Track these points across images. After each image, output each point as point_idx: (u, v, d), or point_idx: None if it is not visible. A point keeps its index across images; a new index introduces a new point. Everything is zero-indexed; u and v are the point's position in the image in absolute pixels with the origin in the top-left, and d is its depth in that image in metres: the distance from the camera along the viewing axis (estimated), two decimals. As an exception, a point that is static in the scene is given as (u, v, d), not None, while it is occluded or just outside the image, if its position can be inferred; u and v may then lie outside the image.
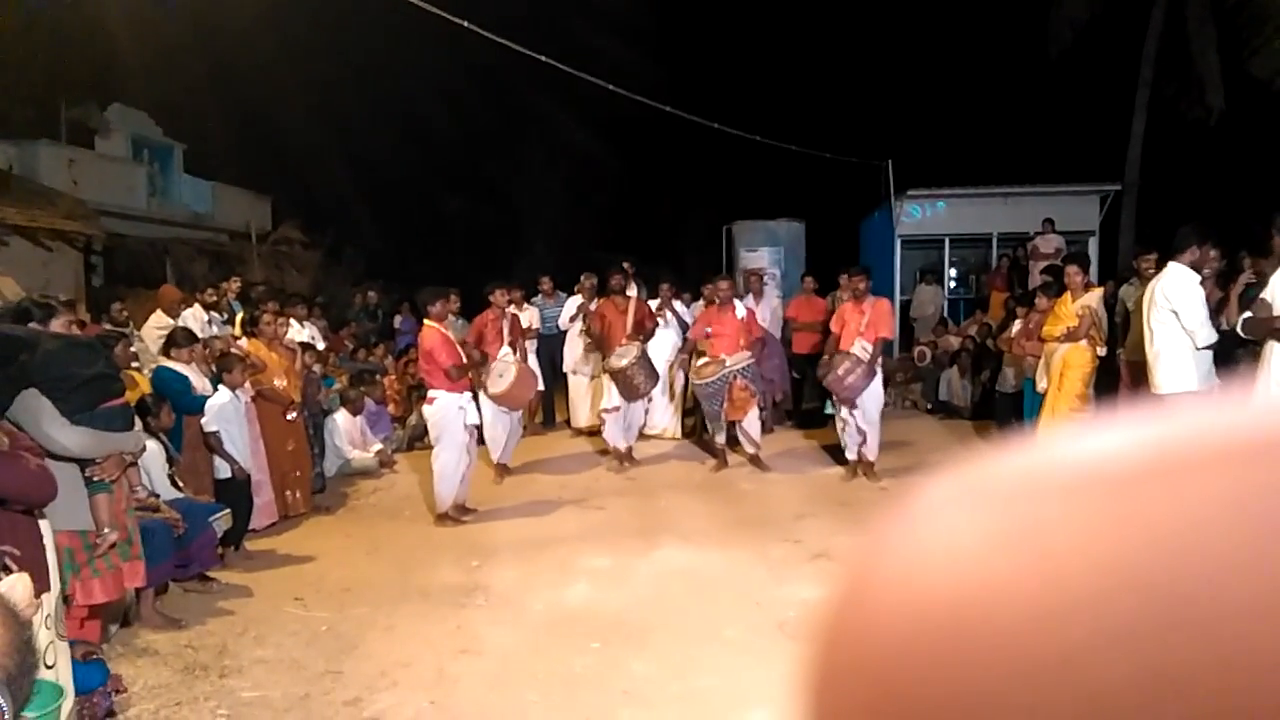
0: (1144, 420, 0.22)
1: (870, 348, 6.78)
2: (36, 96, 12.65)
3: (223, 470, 5.61)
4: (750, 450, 7.59)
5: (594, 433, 8.76)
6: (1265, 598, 0.18)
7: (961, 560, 0.21)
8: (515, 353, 7.29)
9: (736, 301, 7.66)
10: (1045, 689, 0.19)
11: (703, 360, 7.45)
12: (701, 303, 8.96)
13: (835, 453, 7.50)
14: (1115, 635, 0.19)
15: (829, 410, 7.35)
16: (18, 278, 9.18)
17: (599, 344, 8.15)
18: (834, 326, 7.22)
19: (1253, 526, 0.19)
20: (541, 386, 8.63)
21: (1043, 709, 0.19)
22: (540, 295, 9.77)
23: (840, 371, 6.68)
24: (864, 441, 6.97)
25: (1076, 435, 0.23)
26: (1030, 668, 0.19)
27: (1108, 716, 0.18)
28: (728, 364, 7.21)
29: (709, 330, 7.51)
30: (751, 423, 7.44)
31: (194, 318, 7.69)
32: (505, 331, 7.29)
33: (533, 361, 8.44)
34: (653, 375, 7.73)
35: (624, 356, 7.54)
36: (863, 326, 6.83)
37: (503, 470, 7.54)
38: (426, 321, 6.40)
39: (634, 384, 7.55)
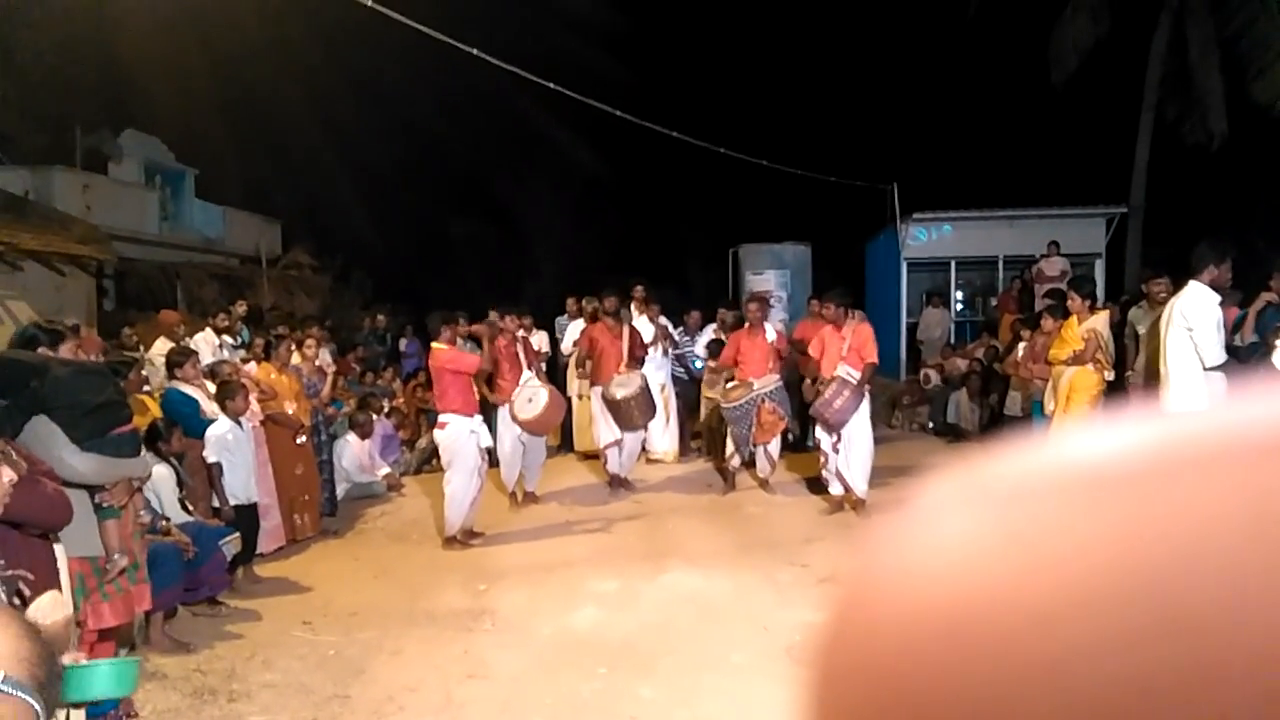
0: (1144, 422, 0.22)
1: (856, 374, 6.64)
2: (52, 124, 12.85)
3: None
4: (762, 474, 7.59)
5: (596, 456, 8.77)
6: (1267, 600, 0.18)
7: (961, 562, 0.21)
8: (535, 375, 7.13)
9: (767, 325, 7.52)
10: (1046, 691, 0.19)
11: (731, 384, 7.41)
12: (713, 327, 9.01)
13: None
14: (1115, 637, 0.19)
15: (809, 443, 7.23)
16: (31, 302, 9.28)
17: (583, 365, 8.01)
18: (813, 352, 7.11)
19: (1254, 528, 0.19)
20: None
21: (1043, 711, 0.19)
22: (566, 316, 9.79)
23: (828, 395, 6.56)
24: (848, 475, 6.74)
25: (1075, 437, 0.23)
26: (1030, 670, 0.19)
27: (1108, 719, 0.18)
28: (755, 387, 7.19)
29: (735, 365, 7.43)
30: (774, 446, 7.43)
31: (205, 341, 7.73)
32: (521, 356, 7.14)
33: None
34: (651, 409, 7.62)
35: (625, 387, 7.36)
36: (844, 350, 6.72)
37: (529, 499, 7.47)
38: (434, 345, 6.41)
39: (632, 417, 7.45)
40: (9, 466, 2.46)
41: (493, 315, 7.27)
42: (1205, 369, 5.06)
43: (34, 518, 2.81)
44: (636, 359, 7.84)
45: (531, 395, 6.89)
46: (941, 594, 0.21)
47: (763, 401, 7.16)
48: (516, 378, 7.03)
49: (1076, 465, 0.22)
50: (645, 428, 7.92)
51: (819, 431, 6.89)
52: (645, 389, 7.50)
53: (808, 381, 7.23)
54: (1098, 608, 0.19)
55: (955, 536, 0.22)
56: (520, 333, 7.32)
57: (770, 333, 7.49)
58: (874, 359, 6.75)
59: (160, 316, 8.57)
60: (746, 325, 7.56)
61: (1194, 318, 5.05)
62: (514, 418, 6.89)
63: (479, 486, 6.43)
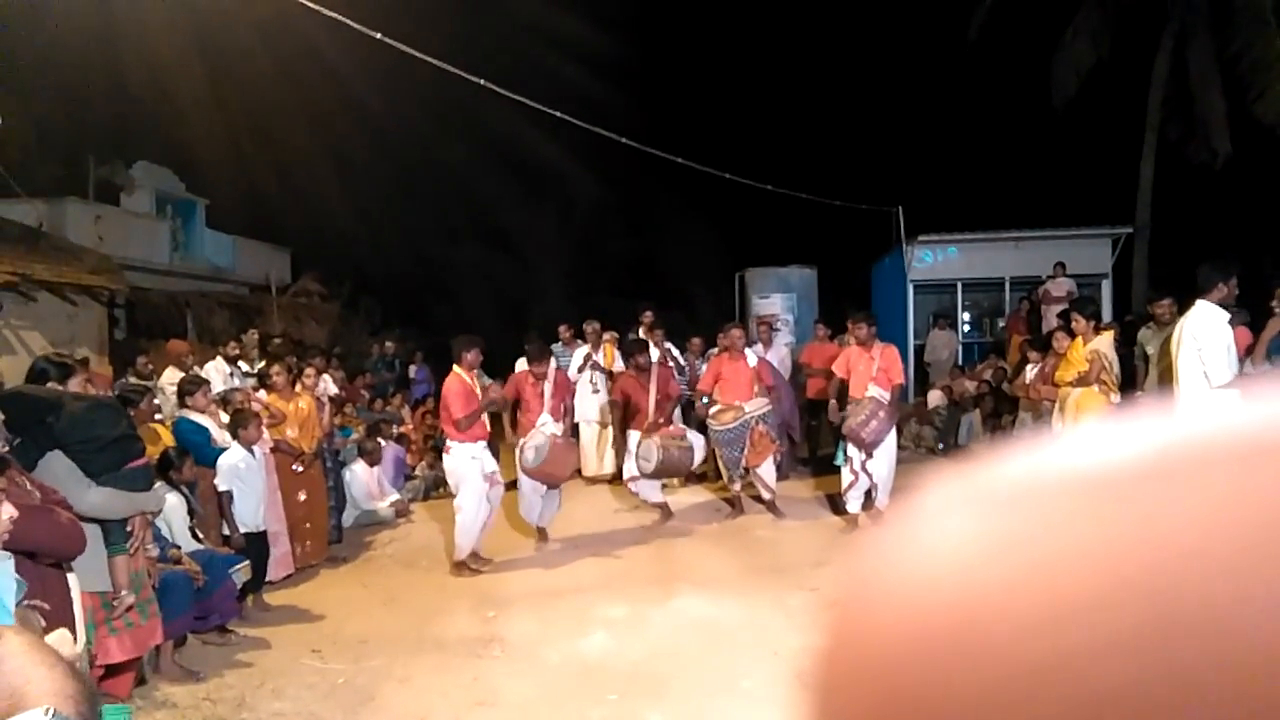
0: (1144, 424, 0.22)
1: (886, 395, 6.80)
2: (65, 155, 13.04)
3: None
4: (766, 496, 7.57)
5: (603, 481, 8.75)
6: (1267, 601, 0.18)
7: (962, 564, 0.21)
8: (556, 420, 6.78)
9: (748, 350, 7.55)
10: (1046, 693, 0.19)
11: (718, 407, 7.38)
12: (714, 352, 9.02)
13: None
14: (1116, 639, 0.19)
15: (838, 461, 7.23)
16: (44, 331, 9.38)
17: (620, 421, 7.70)
18: (839, 371, 7.16)
19: (1254, 529, 0.19)
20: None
21: (1044, 713, 0.19)
22: (560, 344, 9.81)
23: (864, 416, 6.67)
24: (874, 491, 6.92)
25: (1076, 439, 0.23)
26: (1031, 671, 0.19)
27: None
28: (747, 410, 7.20)
29: (713, 395, 7.39)
30: (767, 469, 7.41)
31: (216, 370, 7.77)
32: (548, 396, 6.87)
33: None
34: (690, 457, 7.34)
35: (664, 450, 7.03)
36: (874, 372, 6.84)
37: (541, 535, 7.19)
38: (455, 368, 6.36)
39: (670, 470, 7.32)
40: (9, 503, 2.47)
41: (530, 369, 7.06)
42: (1213, 389, 5.06)
43: (48, 546, 2.83)
44: (671, 398, 7.56)
45: (537, 444, 6.57)
46: (941, 599, 0.21)
47: (756, 424, 7.18)
48: (535, 418, 6.86)
49: (1078, 467, 0.22)
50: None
51: (851, 450, 6.92)
52: (690, 448, 7.22)
53: (833, 402, 7.24)
54: (1097, 611, 0.19)
55: (957, 538, 0.22)
56: (549, 371, 7.04)
57: (751, 358, 7.46)
58: (901, 380, 7.04)
59: (169, 346, 8.63)
60: (726, 350, 7.47)
61: (1203, 338, 5.05)
62: (519, 465, 6.68)
63: (489, 512, 6.42)
